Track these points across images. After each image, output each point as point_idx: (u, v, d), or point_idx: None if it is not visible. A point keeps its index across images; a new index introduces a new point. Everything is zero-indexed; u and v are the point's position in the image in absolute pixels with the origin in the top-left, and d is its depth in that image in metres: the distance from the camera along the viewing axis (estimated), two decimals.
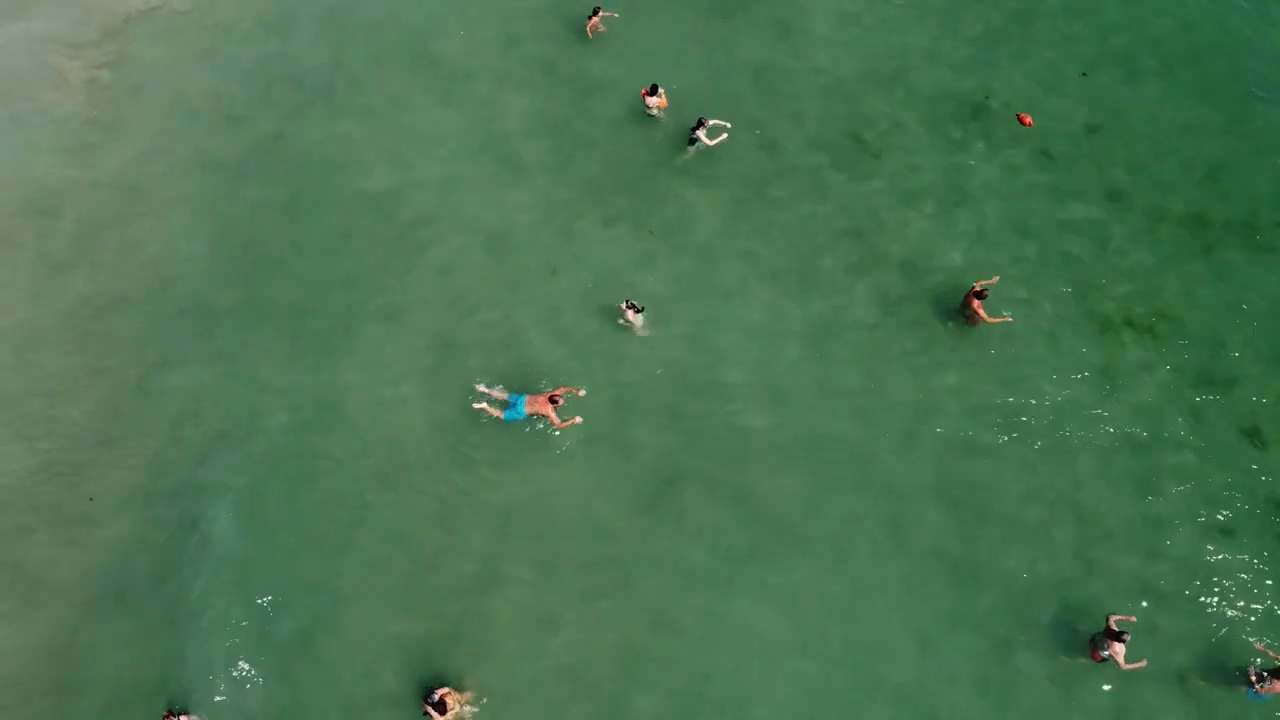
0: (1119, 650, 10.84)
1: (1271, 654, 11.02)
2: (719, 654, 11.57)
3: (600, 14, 15.31)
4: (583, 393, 12.81)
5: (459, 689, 11.39)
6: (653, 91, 14.34)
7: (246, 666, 11.70)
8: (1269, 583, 11.69)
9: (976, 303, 12.82)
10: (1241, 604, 11.58)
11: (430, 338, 13.67)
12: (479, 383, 12.94)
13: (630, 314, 13.12)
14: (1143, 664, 10.89)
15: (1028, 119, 14.22)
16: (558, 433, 12.56)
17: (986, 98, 14.69)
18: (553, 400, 12.24)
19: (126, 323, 13.85)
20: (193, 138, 15.04)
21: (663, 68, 15.28)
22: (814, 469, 12.47)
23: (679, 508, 12.32)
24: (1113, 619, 11.11)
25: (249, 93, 15.40)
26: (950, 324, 13.25)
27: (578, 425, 12.49)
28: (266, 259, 14.26)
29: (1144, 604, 11.50)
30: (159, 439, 12.94)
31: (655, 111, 14.58)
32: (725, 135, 14.34)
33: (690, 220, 14.20)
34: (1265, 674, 10.90)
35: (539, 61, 15.49)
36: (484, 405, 12.65)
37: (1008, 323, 12.96)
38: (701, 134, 14.14)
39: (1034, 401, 12.73)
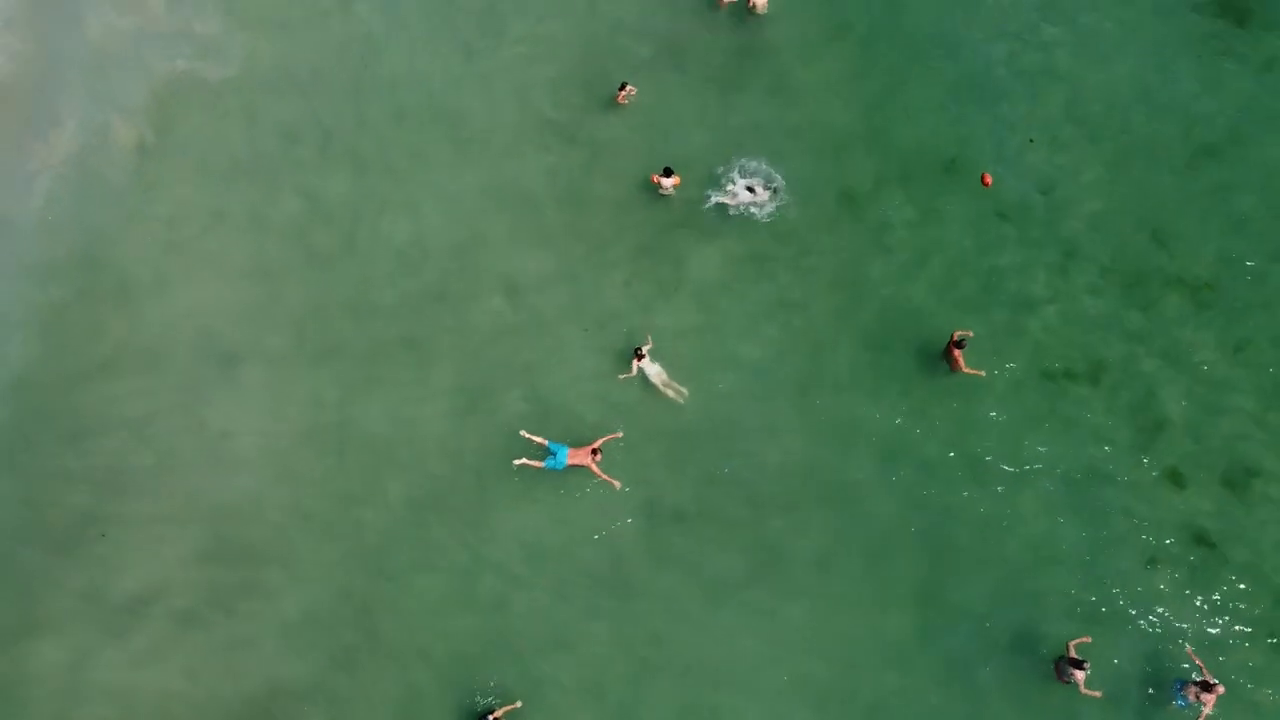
0: (1080, 677, 12.60)
1: (1199, 663, 12.80)
2: (719, 665, 13.33)
3: (628, 88, 16.65)
4: (621, 434, 14.35)
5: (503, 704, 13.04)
6: (666, 174, 15.79)
7: None
8: (1197, 602, 13.51)
9: (956, 352, 14.47)
10: (1171, 624, 13.39)
11: (453, 379, 15.24)
12: (523, 431, 14.41)
13: (640, 361, 14.68)
14: (1099, 695, 12.64)
15: (988, 179, 15.85)
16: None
17: (954, 159, 16.28)
18: (594, 453, 13.75)
19: (168, 366, 15.30)
20: (228, 194, 16.42)
21: (670, 129, 16.73)
22: (805, 504, 14.18)
23: (686, 536, 14.02)
24: (1072, 646, 12.87)
25: (280, 151, 16.78)
26: (927, 370, 14.89)
27: (601, 467, 14.03)
28: (298, 310, 15.71)
29: (1090, 626, 13.28)
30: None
31: (669, 191, 16.02)
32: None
33: (695, 275, 15.75)
34: (1191, 683, 12.72)
35: (555, 124, 16.92)
36: (524, 460, 14.09)
37: (980, 374, 14.59)
38: (739, 193, 15.78)
39: (992, 442, 14.43)
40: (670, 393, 14.83)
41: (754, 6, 17.47)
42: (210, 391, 15.15)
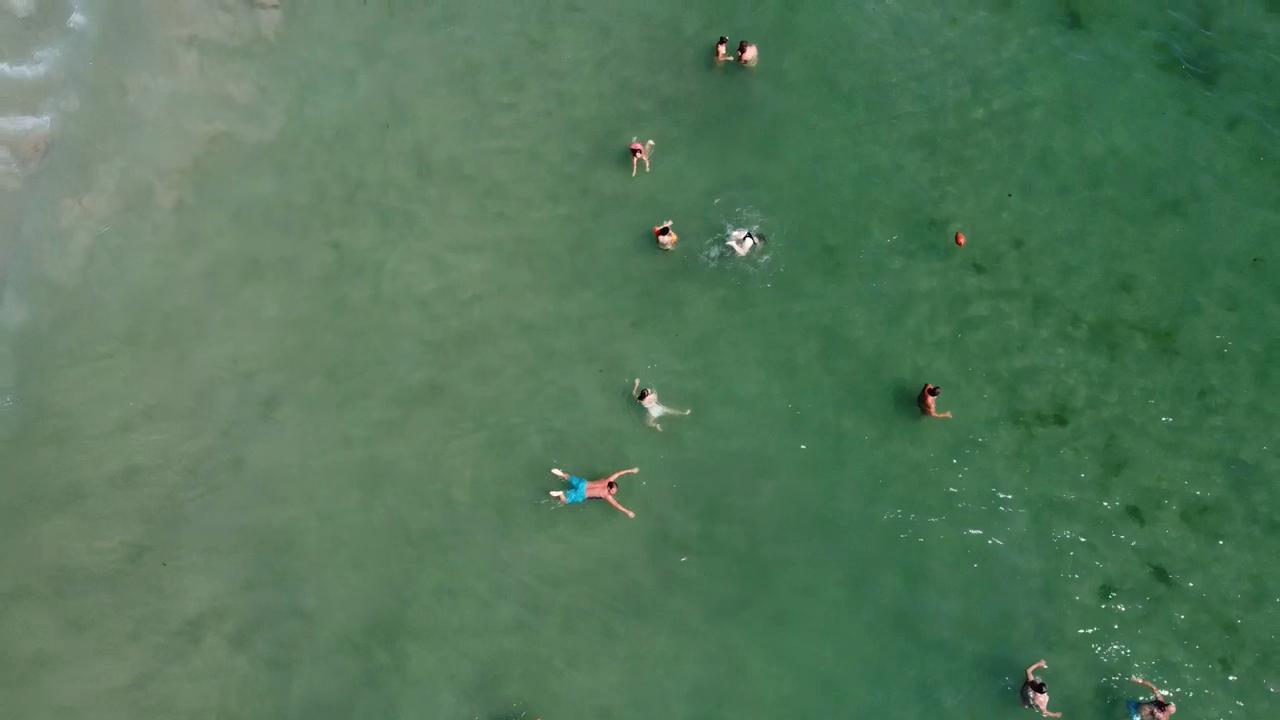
0: (1042, 700, 14.00)
1: (1151, 685, 14.21)
2: (720, 684, 14.80)
3: (648, 145, 17.97)
4: (637, 470, 15.78)
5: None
6: (664, 232, 17.16)
7: None
8: (1152, 629, 14.89)
9: (930, 399, 15.83)
10: (1126, 649, 14.78)
11: (474, 417, 16.66)
12: (555, 469, 15.90)
13: (646, 399, 16.11)
14: (1058, 716, 14.04)
15: (961, 238, 17.13)
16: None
17: (931, 214, 17.57)
18: (610, 485, 15.23)
19: (216, 400, 16.75)
20: (262, 247, 17.83)
21: (670, 181, 18.06)
22: (794, 535, 15.58)
23: (688, 563, 15.44)
24: (1030, 671, 14.27)
25: (310, 205, 18.16)
26: (905, 412, 16.24)
27: (616, 498, 15.51)
28: (329, 354, 17.14)
29: (1049, 651, 14.68)
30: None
31: (668, 247, 17.39)
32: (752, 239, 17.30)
33: (694, 319, 17.12)
34: (1145, 703, 14.14)
35: (567, 177, 18.27)
36: (558, 493, 15.57)
37: (948, 417, 15.97)
38: (734, 244, 17.16)
39: (963, 478, 15.79)
40: (660, 427, 16.22)
41: (745, 61, 18.75)
42: (250, 432, 16.62)
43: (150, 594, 15.40)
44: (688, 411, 16.29)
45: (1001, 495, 15.76)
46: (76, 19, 19.47)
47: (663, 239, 17.18)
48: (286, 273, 17.63)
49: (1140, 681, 14.33)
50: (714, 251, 17.49)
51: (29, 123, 18.68)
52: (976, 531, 15.54)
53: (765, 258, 17.37)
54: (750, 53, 18.72)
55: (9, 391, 16.75)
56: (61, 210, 18.05)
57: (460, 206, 18.22)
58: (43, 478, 16.21)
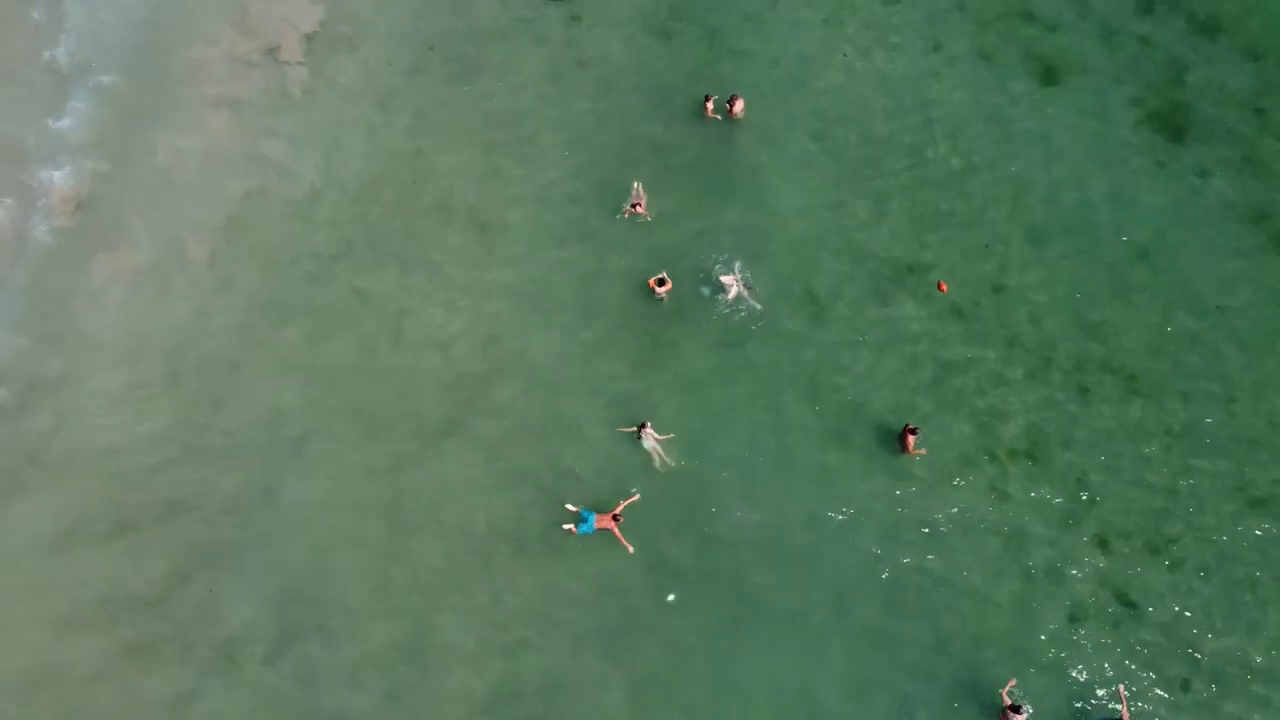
0: None
1: (1124, 702, 15.45)
2: (712, 703, 16.13)
3: (639, 203, 19.35)
4: (638, 496, 17.15)
5: None
6: (660, 283, 18.52)
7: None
8: (1118, 651, 16.13)
9: (910, 438, 17.12)
10: (1094, 671, 16.02)
11: (488, 450, 18.06)
12: (568, 504, 17.34)
13: (644, 430, 17.52)
14: None
15: (944, 286, 18.37)
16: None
17: (912, 262, 18.83)
18: (615, 519, 16.62)
19: (250, 438, 18.21)
20: (291, 294, 19.28)
21: (666, 229, 19.41)
22: (780, 562, 16.88)
23: (683, 590, 16.81)
24: (1004, 693, 15.50)
25: (335, 254, 19.62)
26: (886, 449, 17.52)
27: (620, 529, 16.90)
28: (354, 394, 18.58)
29: (1022, 672, 15.92)
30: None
31: (662, 296, 18.78)
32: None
33: (687, 361, 18.49)
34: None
35: (572, 223, 19.69)
36: (569, 526, 17.02)
37: (923, 454, 17.26)
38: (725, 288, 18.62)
39: (941, 511, 17.06)
40: (657, 460, 17.57)
41: (734, 115, 20.08)
42: (282, 467, 18.08)
43: (195, 617, 16.87)
44: (672, 435, 17.65)
45: (978, 524, 17.01)
46: (105, 79, 20.84)
47: (659, 290, 18.53)
48: (314, 319, 19.08)
49: (1120, 691, 15.48)
50: (705, 295, 18.82)
51: (59, 177, 20.02)
52: (953, 559, 16.80)
53: (753, 302, 18.68)
54: (738, 106, 20.06)
55: (55, 434, 18.23)
56: (95, 264, 19.45)
57: (475, 252, 19.64)
58: (92, 512, 17.72)
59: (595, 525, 16.67)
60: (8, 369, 18.52)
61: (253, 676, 16.73)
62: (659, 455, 17.64)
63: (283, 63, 21.05)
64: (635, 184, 19.48)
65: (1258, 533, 16.63)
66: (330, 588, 17.36)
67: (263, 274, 19.48)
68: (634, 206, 19.28)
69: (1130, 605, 16.47)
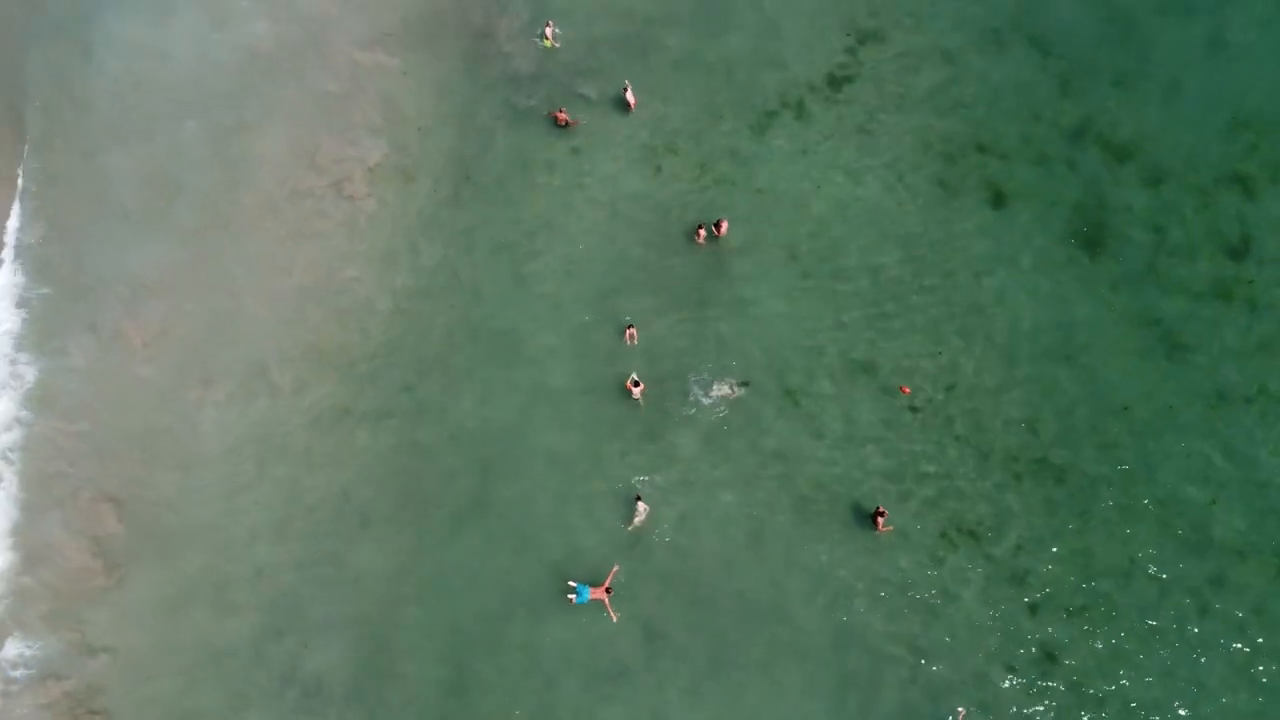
0: None
1: None
2: None
3: (630, 332, 23.35)
4: (618, 567, 20.94)
5: None
6: (636, 384, 22.56)
7: None
8: (1045, 703, 19.65)
9: (879, 519, 20.77)
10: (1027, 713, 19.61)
11: (509, 526, 21.88)
12: (569, 581, 21.22)
13: (639, 504, 21.29)
14: None
15: (906, 389, 22.12)
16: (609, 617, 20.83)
17: (873, 365, 22.60)
18: (608, 590, 20.35)
19: (324, 516, 22.11)
20: (353, 398, 23.27)
21: (660, 338, 23.32)
22: (754, 620, 20.59)
23: (668, 645, 20.52)
24: None
25: (388, 359, 23.61)
26: (857, 526, 21.19)
27: (611, 600, 20.72)
28: (404, 478, 22.51)
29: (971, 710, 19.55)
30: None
31: (637, 397, 22.68)
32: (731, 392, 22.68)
33: (681, 451, 22.33)
34: None
35: (580, 328, 23.67)
36: (571, 596, 20.86)
37: (891, 530, 20.94)
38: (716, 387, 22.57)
39: (903, 580, 20.69)
40: (638, 520, 21.47)
41: (720, 235, 24.01)
42: (349, 540, 21.99)
43: (282, 666, 20.76)
44: (648, 507, 21.64)
45: (932, 591, 20.63)
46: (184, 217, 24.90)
47: (634, 391, 22.51)
48: (372, 416, 23.07)
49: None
50: (694, 393, 22.65)
51: (146, 311, 23.94)
52: (910, 621, 20.43)
53: (735, 398, 22.48)
54: (724, 227, 24.02)
55: (172, 505, 22.24)
56: (187, 394, 23.43)
57: (499, 356, 23.59)
58: (193, 578, 21.69)
59: (589, 596, 20.42)
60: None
61: (335, 712, 20.56)
62: (641, 521, 21.43)
63: (346, 197, 25.16)
64: (629, 329, 23.38)
65: (1149, 578, 20.27)
66: (395, 636, 21.29)
67: (332, 384, 23.40)
68: (629, 332, 23.22)
69: (1053, 659, 20.04)
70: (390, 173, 25.61)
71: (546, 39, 26.60)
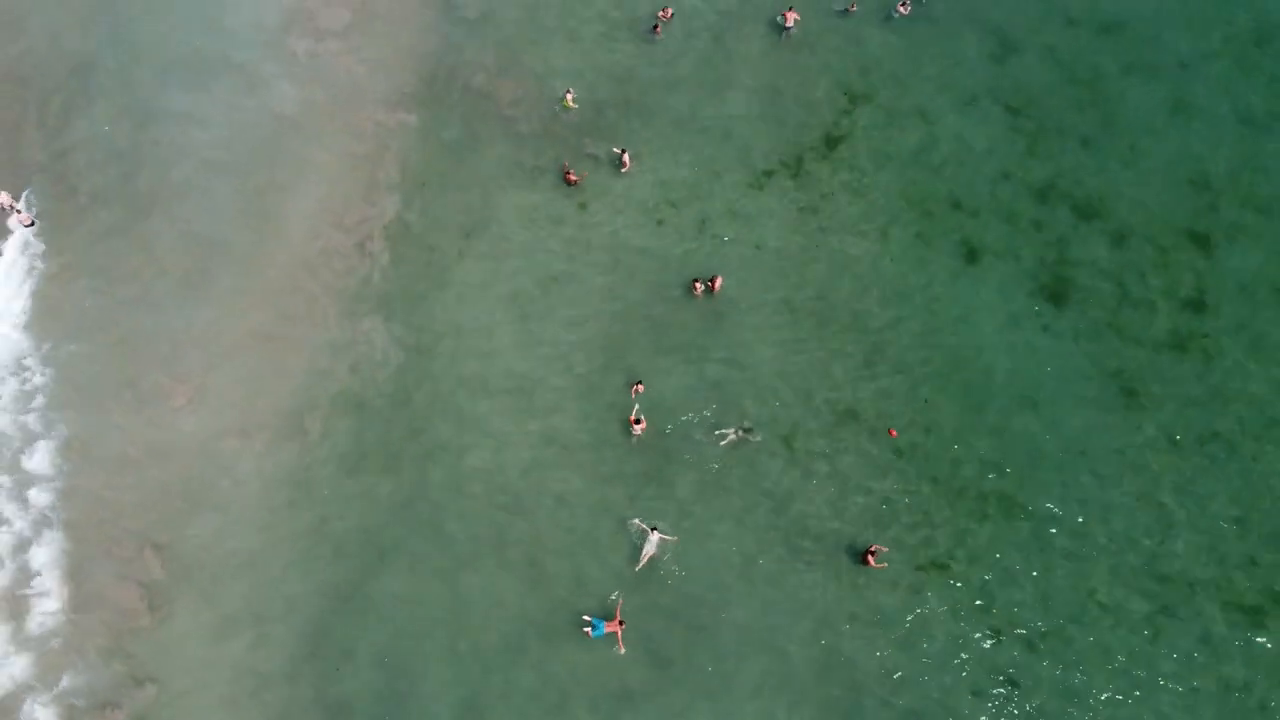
0: None
1: None
2: None
3: (635, 388, 25.36)
4: (621, 601, 22.93)
5: None
6: (637, 421, 24.60)
7: None
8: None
9: (871, 558, 22.79)
10: None
11: (523, 562, 23.88)
12: (585, 615, 23.23)
13: (652, 535, 23.32)
14: None
15: (894, 432, 24.09)
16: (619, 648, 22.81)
17: (858, 412, 24.57)
18: (621, 623, 22.42)
19: (347, 552, 24.18)
20: (366, 442, 25.30)
21: (663, 390, 25.32)
22: (748, 651, 22.54)
23: (669, 671, 22.54)
24: None
25: (400, 404, 25.61)
26: (844, 559, 23.17)
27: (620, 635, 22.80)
28: (424, 517, 24.51)
29: None
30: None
31: (637, 434, 24.72)
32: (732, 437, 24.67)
33: (680, 492, 24.31)
34: None
35: (584, 379, 25.66)
36: (587, 630, 22.88)
37: (885, 567, 22.96)
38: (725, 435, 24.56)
39: (881, 611, 22.66)
40: (646, 557, 23.51)
41: (715, 290, 25.99)
42: (372, 576, 23.98)
43: (313, 690, 22.85)
44: (676, 538, 23.63)
45: (907, 622, 22.61)
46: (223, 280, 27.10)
47: (635, 428, 24.59)
48: (390, 463, 25.08)
49: None
50: (697, 439, 24.65)
51: (186, 367, 25.93)
52: (887, 648, 22.43)
53: (732, 442, 24.46)
54: (719, 283, 26.02)
55: (209, 546, 24.31)
56: (226, 445, 25.32)
57: (510, 406, 25.58)
58: (231, 612, 23.74)
59: (605, 629, 22.43)
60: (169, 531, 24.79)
61: None
62: (652, 552, 23.46)
63: (368, 253, 27.22)
64: (635, 397, 25.42)
65: (1103, 608, 22.26)
66: (421, 663, 23.24)
67: (354, 433, 25.41)
68: (636, 387, 25.25)
69: (1014, 683, 22.01)
70: (404, 229, 27.68)
71: (567, 102, 28.77)
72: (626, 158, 27.90)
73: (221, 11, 30.47)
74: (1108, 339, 24.91)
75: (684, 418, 25.02)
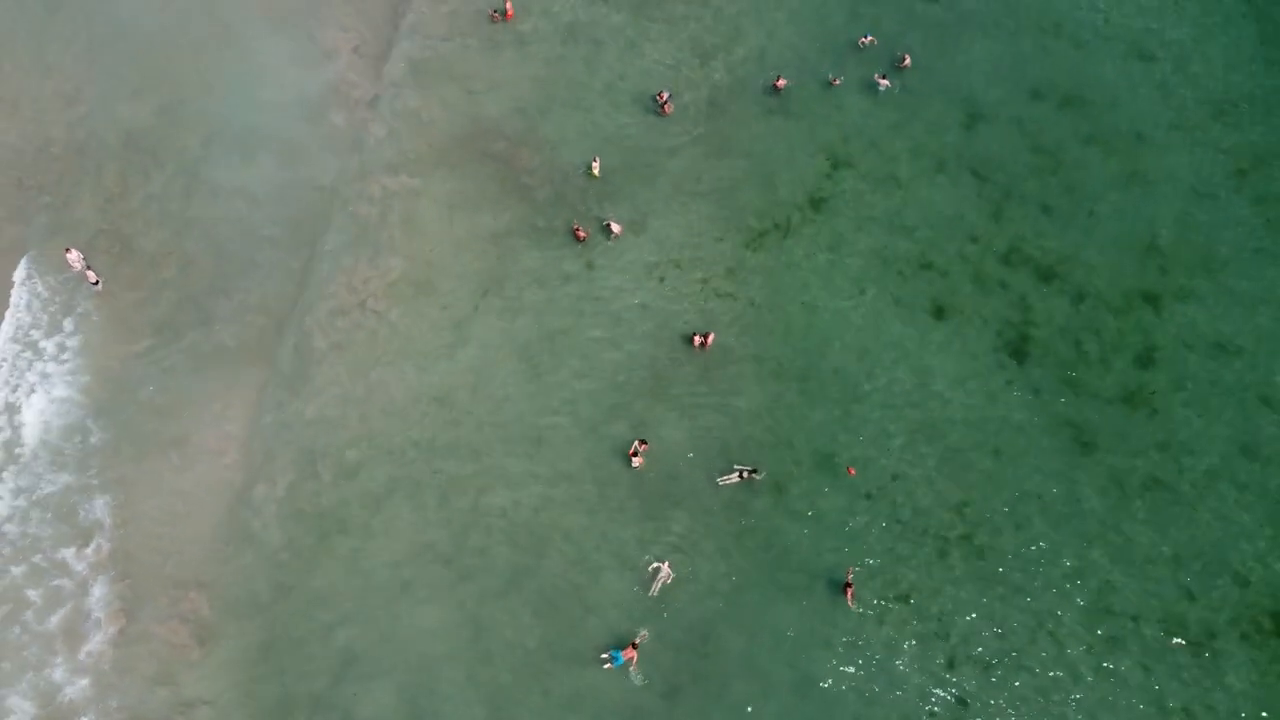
0: None
1: None
2: None
3: (642, 446, 28.10)
4: (645, 634, 25.63)
5: None
6: (635, 453, 27.38)
7: None
8: None
9: (850, 590, 25.37)
10: None
11: (539, 596, 26.61)
12: (603, 655, 25.88)
13: (662, 568, 25.99)
14: None
15: (852, 470, 26.74)
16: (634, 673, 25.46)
17: (836, 456, 27.24)
18: (634, 646, 25.16)
19: (375, 586, 26.99)
20: (387, 477, 28.16)
21: (665, 439, 28.06)
22: (739, 680, 25.17)
23: (678, 699, 25.22)
24: None
25: (422, 448, 28.41)
26: (830, 594, 25.78)
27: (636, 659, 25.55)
28: (443, 548, 27.30)
29: None
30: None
31: (637, 465, 27.48)
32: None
33: (677, 529, 27.02)
34: None
35: (591, 422, 28.40)
36: (606, 663, 25.56)
37: (854, 604, 25.66)
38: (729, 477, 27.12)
39: (853, 638, 25.28)
40: (658, 586, 26.13)
41: (706, 346, 28.79)
42: (398, 604, 26.78)
43: (342, 712, 25.59)
44: (671, 573, 26.28)
45: (877, 649, 25.21)
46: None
47: (634, 460, 27.35)
48: (412, 496, 27.88)
49: None
50: (689, 477, 27.36)
51: (227, 422, 29.12)
52: (862, 673, 25.02)
53: (730, 484, 27.14)
54: (710, 338, 28.77)
55: (248, 581, 27.18)
56: (256, 491, 28.11)
57: (524, 448, 28.37)
58: (268, 640, 26.57)
59: (624, 658, 25.14)
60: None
61: None
62: (664, 581, 26.13)
63: (372, 310, 30.13)
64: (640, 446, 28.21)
65: (1051, 637, 24.76)
66: (437, 683, 25.93)
67: (372, 461, 28.29)
68: (638, 451, 28.04)
69: (964, 704, 24.56)
70: (415, 287, 30.58)
71: (593, 171, 31.86)
72: (615, 225, 30.72)
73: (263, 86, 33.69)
74: (1064, 392, 27.49)
75: (679, 460, 27.72)
